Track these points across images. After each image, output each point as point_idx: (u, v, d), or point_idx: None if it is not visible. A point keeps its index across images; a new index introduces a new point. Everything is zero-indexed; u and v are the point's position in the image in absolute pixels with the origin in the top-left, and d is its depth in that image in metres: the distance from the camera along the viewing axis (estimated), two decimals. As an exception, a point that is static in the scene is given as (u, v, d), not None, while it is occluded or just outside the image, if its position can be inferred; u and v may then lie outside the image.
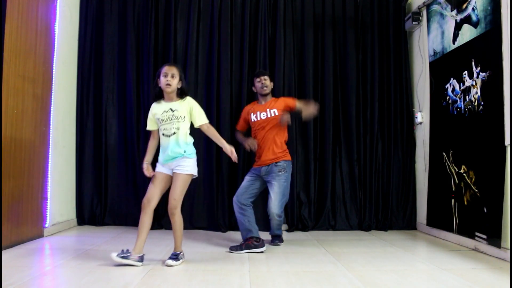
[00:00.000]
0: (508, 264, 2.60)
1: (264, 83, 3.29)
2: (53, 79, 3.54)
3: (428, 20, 3.85)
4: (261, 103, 3.34)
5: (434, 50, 3.75)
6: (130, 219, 3.95)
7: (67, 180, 3.84)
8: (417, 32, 4.12)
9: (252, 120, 3.30)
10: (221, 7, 4.05)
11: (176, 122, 2.61)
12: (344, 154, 4.10)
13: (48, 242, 3.22)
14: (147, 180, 3.86)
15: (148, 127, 2.75)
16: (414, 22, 3.98)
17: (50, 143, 3.49)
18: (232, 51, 4.05)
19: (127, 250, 2.51)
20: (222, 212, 3.89)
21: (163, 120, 2.62)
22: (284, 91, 4.00)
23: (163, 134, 2.63)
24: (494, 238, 2.83)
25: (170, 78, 2.60)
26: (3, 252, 2.70)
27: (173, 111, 2.62)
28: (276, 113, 3.22)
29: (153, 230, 3.76)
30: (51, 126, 3.50)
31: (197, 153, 3.94)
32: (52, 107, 3.52)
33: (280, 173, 3.15)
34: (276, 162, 3.17)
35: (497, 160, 2.85)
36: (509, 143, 2.74)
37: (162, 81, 2.62)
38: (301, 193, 4.01)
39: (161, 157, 2.66)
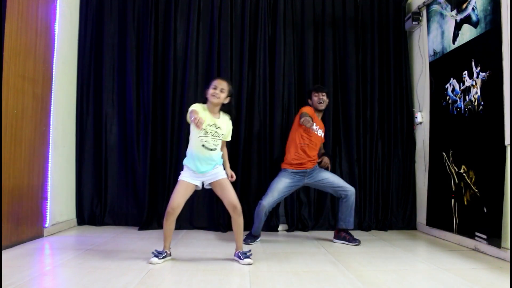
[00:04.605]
0: (508, 264, 2.60)
1: (322, 98, 3.48)
2: (53, 79, 3.54)
3: (428, 20, 3.85)
4: (318, 116, 3.53)
5: (434, 50, 3.75)
6: (130, 219, 3.96)
7: (67, 180, 3.84)
8: (417, 32, 4.12)
9: (313, 128, 3.36)
10: (221, 7, 4.05)
11: (218, 140, 2.69)
12: (344, 154, 4.10)
13: (48, 242, 3.21)
14: (147, 180, 3.90)
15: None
16: (414, 22, 3.98)
17: (50, 143, 3.49)
18: (232, 51, 4.04)
19: (160, 251, 2.64)
20: (222, 212, 3.87)
21: (207, 132, 2.65)
22: (284, 91, 4.01)
23: (203, 145, 2.64)
24: (494, 238, 2.84)
25: (218, 91, 2.66)
26: (3, 252, 2.69)
27: (216, 128, 2.68)
28: (321, 133, 3.52)
29: (153, 230, 3.78)
30: (51, 126, 3.50)
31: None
32: (52, 107, 3.51)
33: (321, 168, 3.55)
34: (316, 164, 3.52)
35: (497, 160, 2.85)
36: (509, 143, 2.74)
37: (210, 92, 2.67)
38: (301, 193, 4.01)
39: (194, 166, 2.67)
